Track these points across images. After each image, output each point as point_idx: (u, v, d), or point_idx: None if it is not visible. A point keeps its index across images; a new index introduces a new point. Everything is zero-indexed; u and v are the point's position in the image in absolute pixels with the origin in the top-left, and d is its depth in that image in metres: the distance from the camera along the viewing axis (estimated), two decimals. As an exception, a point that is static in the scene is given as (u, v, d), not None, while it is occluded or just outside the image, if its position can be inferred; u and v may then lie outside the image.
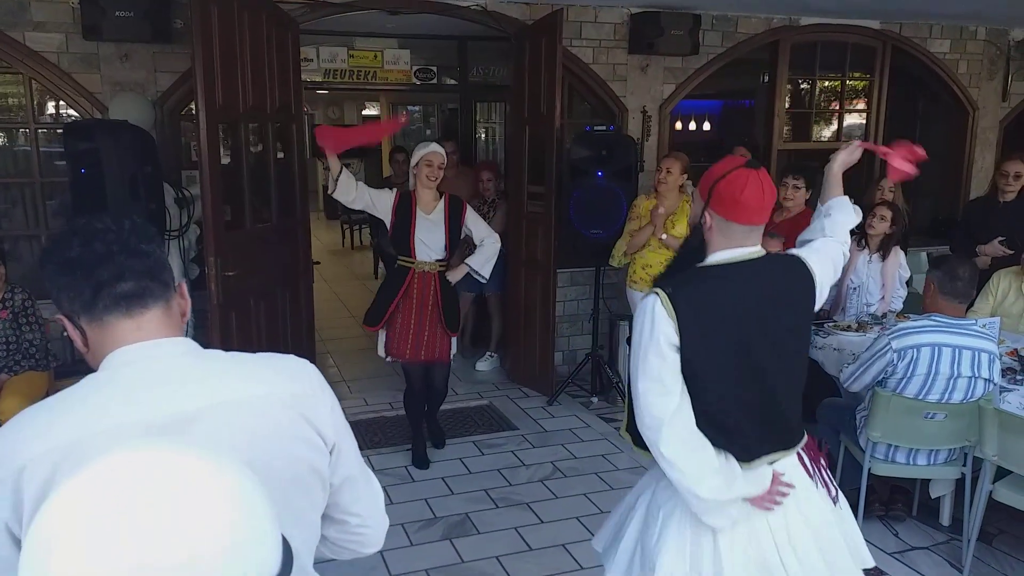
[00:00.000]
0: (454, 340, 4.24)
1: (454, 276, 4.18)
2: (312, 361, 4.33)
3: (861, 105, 6.80)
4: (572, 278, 5.72)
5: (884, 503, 3.67)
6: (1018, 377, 3.47)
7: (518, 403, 5.19)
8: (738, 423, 1.89)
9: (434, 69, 6.79)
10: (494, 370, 5.82)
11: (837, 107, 7.00)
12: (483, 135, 8.02)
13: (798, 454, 2.02)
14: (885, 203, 4.60)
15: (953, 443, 3.24)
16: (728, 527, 1.90)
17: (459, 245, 4.30)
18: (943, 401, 3.18)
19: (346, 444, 1.26)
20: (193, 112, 4.49)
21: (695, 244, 1.96)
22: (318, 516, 1.25)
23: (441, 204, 4.09)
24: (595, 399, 5.21)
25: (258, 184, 4.53)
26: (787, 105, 6.49)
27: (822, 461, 2.09)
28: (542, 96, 5.01)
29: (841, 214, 2.25)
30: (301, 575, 1.22)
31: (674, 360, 1.83)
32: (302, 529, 1.21)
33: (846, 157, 2.32)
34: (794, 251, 2.12)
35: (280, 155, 4.77)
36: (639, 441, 1.97)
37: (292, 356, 1.26)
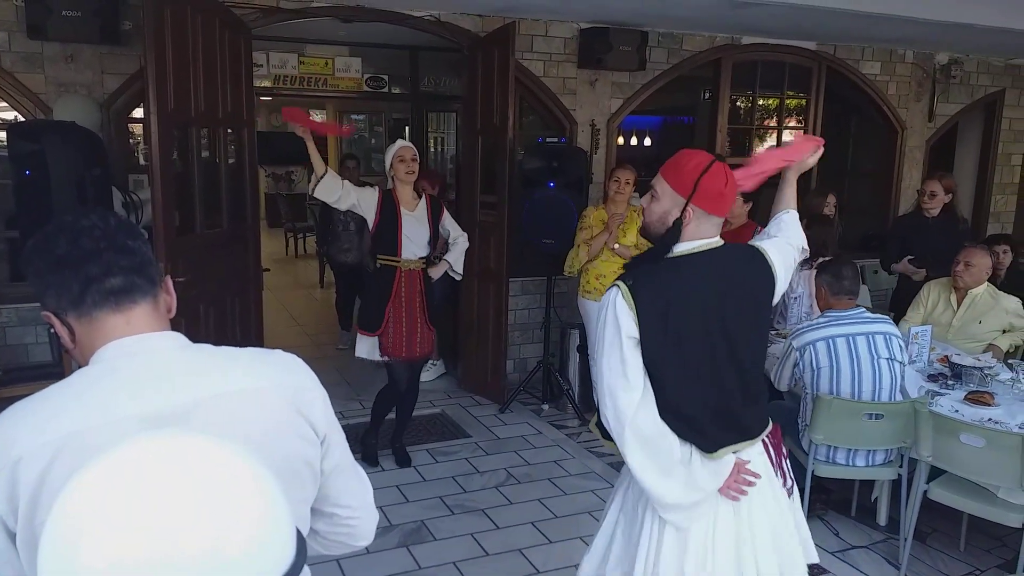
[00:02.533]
0: (433, 334, 4.32)
1: (436, 272, 4.25)
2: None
3: (796, 123, 7.06)
4: (523, 287, 5.79)
5: (824, 503, 3.83)
6: (949, 382, 3.66)
7: (470, 411, 5.22)
8: (699, 414, 1.93)
9: (385, 78, 6.79)
10: (443, 378, 5.84)
11: (774, 124, 7.25)
12: (434, 145, 8.04)
13: (763, 442, 2.09)
14: (817, 216, 4.80)
15: (890, 444, 3.41)
16: (686, 526, 1.96)
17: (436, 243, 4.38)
18: (856, 391, 3.37)
19: (336, 437, 1.28)
20: (141, 115, 4.42)
21: (672, 240, 1.95)
22: (308, 510, 1.27)
23: (423, 202, 4.19)
24: (546, 406, 5.28)
25: (209, 190, 4.46)
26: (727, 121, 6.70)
27: (783, 450, 2.17)
28: (495, 107, 5.07)
29: (793, 225, 2.29)
30: None
31: (635, 353, 1.87)
32: (295, 521, 1.22)
33: (802, 163, 2.35)
34: (753, 242, 2.15)
35: (231, 160, 4.72)
36: (608, 434, 2.01)
37: (280, 351, 1.28)
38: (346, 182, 4.10)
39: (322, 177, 3.97)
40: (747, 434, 2.03)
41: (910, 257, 4.92)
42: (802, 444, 3.56)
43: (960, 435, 3.12)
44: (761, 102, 7.10)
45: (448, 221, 4.31)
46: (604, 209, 4.78)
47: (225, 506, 0.78)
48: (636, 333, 1.86)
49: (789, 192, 2.36)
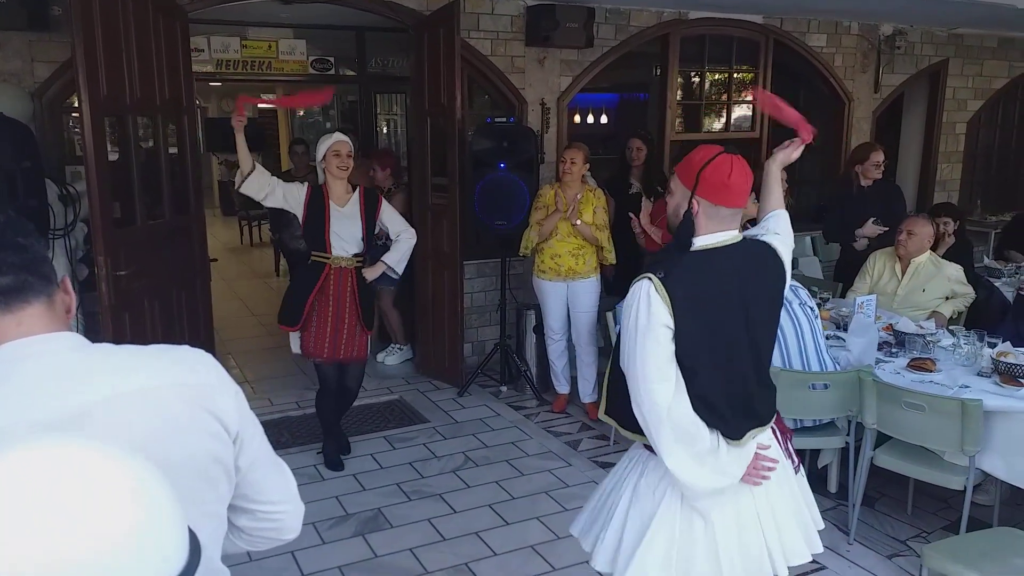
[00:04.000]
0: (368, 338, 4.15)
1: (371, 274, 4.06)
2: (213, 361, 3.96)
3: (748, 97, 7.10)
4: (479, 269, 5.76)
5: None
6: (893, 350, 3.73)
7: (428, 396, 5.19)
8: (725, 403, 1.96)
9: (331, 60, 6.66)
10: (403, 364, 5.80)
11: (724, 99, 7.28)
12: (385, 127, 7.93)
13: (772, 427, 2.13)
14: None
15: (836, 413, 3.46)
16: (713, 511, 1.99)
17: (374, 240, 4.17)
18: (782, 346, 3.45)
19: (250, 432, 1.24)
20: (75, 104, 4.28)
21: (687, 232, 1.99)
22: (223, 508, 1.24)
23: (356, 196, 3.98)
24: (504, 388, 5.28)
25: (149, 180, 4.35)
26: (679, 97, 6.72)
27: (788, 433, 2.21)
28: (442, 88, 5.01)
29: (786, 225, 2.29)
30: (207, 568, 1.21)
31: (669, 345, 1.89)
32: (208, 521, 1.19)
33: (786, 156, 2.34)
34: (761, 237, 2.17)
35: (172, 150, 4.60)
36: (626, 423, 2.03)
37: (187, 347, 1.23)
38: (274, 178, 3.93)
39: (248, 174, 3.82)
40: (762, 420, 2.07)
41: (873, 219, 4.93)
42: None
43: (903, 401, 3.18)
44: (716, 76, 7.10)
45: (388, 215, 4.08)
46: (559, 188, 4.76)
47: (101, 513, 0.75)
48: (672, 323, 1.88)
49: (776, 189, 2.36)
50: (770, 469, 2.04)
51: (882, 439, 3.42)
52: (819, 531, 2.23)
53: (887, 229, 4.81)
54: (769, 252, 2.12)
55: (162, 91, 4.26)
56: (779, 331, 3.44)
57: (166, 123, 4.50)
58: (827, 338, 3.78)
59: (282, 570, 3.23)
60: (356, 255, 3.98)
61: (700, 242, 2.00)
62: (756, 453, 2.04)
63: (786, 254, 2.16)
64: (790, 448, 2.20)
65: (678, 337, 1.89)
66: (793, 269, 5.33)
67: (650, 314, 1.89)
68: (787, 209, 4.87)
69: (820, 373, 3.43)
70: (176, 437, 1.12)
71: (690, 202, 1.98)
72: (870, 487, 3.59)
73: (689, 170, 2.00)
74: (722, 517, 2.02)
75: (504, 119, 5.30)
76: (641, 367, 1.91)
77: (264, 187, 3.87)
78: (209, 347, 4.81)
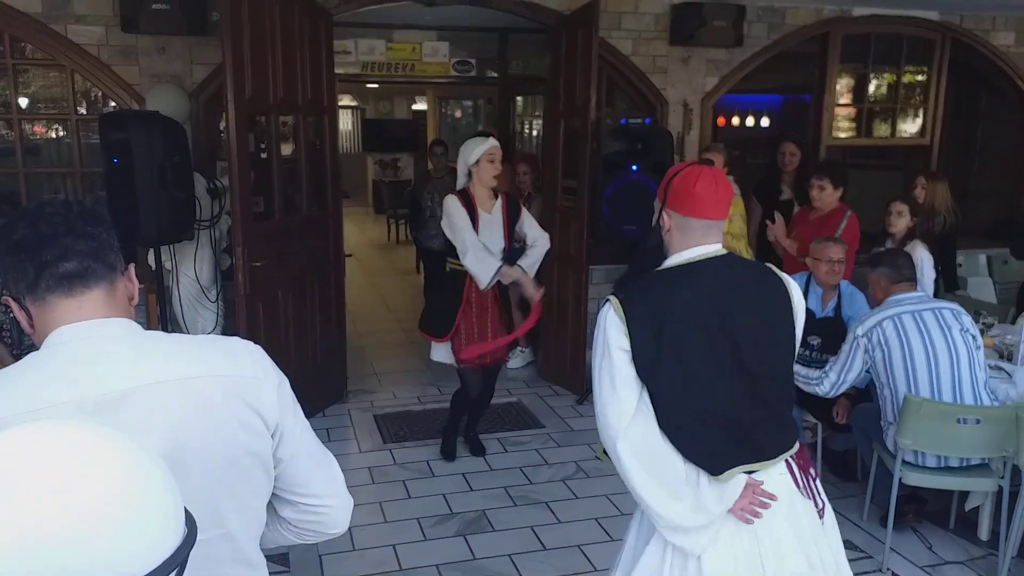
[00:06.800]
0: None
1: (507, 277, 3.94)
2: (342, 352, 4.45)
3: (916, 101, 6.50)
4: (607, 275, 5.61)
5: (918, 513, 3.50)
6: (1068, 387, 3.26)
7: (547, 401, 5.12)
8: (703, 428, 1.81)
9: (472, 62, 6.74)
10: (526, 367, 5.76)
11: (890, 103, 6.71)
12: (525, 129, 7.95)
13: (787, 462, 1.91)
14: (899, 198, 4.39)
15: (989, 452, 3.06)
16: (697, 551, 1.84)
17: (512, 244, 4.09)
18: (932, 369, 3.11)
19: (290, 424, 1.25)
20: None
21: (652, 245, 1.94)
22: (261, 500, 1.25)
23: (499, 203, 3.95)
24: (626, 398, 5.10)
25: (289, 176, 4.55)
26: (848, 99, 6.27)
27: (811, 471, 1.98)
28: (577, 88, 4.93)
29: None
30: (238, 559, 1.21)
31: (625, 368, 1.81)
32: (241, 512, 1.21)
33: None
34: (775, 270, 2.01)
35: (317, 144, 4.80)
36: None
37: (237, 339, 1.27)
38: (474, 236, 3.79)
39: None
40: (762, 454, 1.87)
41: None
42: (887, 445, 3.26)
43: (1072, 447, 2.75)
44: (884, 78, 6.54)
45: (527, 223, 4.02)
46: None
47: (75, 489, 0.73)
48: (627, 345, 1.80)
49: None
50: (764, 506, 1.83)
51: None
52: None
53: None
54: (772, 278, 1.94)
55: (304, 91, 4.45)
56: (931, 350, 3.10)
57: (308, 122, 4.69)
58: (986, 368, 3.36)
59: (382, 563, 3.25)
60: None
61: (673, 260, 1.90)
62: (751, 485, 1.83)
63: (796, 294, 1.95)
64: (813, 487, 1.95)
65: (636, 358, 1.79)
66: (960, 290, 4.91)
67: (606, 336, 1.83)
68: (953, 227, 4.41)
69: (971, 407, 3.04)
70: (211, 427, 1.14)
71: (660, 216, 1.90)
72: (1030, 539, 3.15)
73: (661, 183, 1.95)
74: (714, 555, 1.84)
75: (639, 120, 5.14)
76: (596, 389, 1.85)
77: (481, 248, 3.80)
78: (340, 339, 4.98)
